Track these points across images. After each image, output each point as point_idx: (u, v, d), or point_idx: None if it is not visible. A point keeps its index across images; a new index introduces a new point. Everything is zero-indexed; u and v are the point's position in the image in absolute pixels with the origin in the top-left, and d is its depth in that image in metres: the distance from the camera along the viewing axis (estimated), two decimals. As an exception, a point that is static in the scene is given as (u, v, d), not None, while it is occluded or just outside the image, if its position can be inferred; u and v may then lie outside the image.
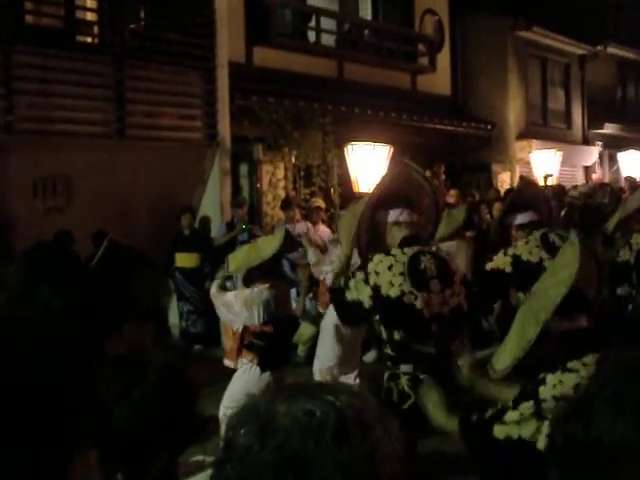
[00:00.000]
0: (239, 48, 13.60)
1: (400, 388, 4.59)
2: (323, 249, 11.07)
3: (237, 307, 6.07)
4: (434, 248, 5.00)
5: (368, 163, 12.96)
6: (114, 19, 10.91)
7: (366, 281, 4.62)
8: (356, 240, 5.05)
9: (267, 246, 6.35)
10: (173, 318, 11.33)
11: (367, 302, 4.62)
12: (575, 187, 16.98)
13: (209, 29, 11.86)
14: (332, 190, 13.94)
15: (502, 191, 15.91)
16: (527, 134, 19.29)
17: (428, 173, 13.88)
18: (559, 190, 15.35)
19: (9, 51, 9.74)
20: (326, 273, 7.86)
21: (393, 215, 4.83)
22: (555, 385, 3.10)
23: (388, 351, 4.69)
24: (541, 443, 2.98)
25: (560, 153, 18.04)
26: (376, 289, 4.59)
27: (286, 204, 12.05)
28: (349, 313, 4.94)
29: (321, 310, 9.58)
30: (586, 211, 13.22)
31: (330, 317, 7.39)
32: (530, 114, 19.85)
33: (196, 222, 11.68)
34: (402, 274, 4.60)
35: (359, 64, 15.93)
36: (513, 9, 18.28)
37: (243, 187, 13.72)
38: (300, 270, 10.83)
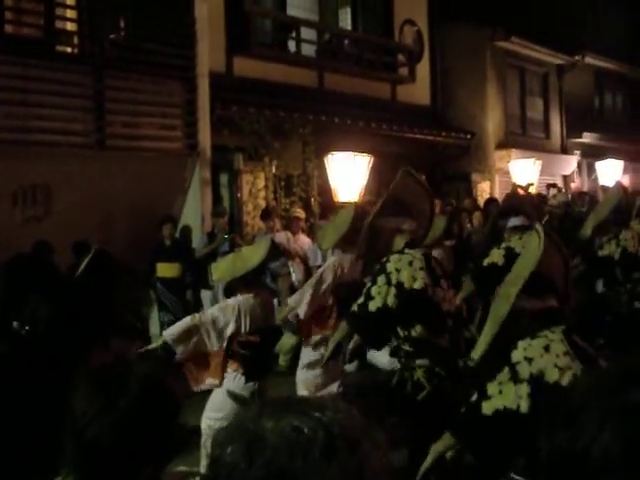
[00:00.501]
0: (219, 58, 13.60)
1: (415, 379, 4.68)
2: (303, 259, 11.11)
3: (222, 320, 6.02)
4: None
5: (348, 173, 13.01)
6: (94, 29, 10.87)
7: (388, 282, 4.71)
8: (361, 245, 5.09)
9: (252, 256, 6.31)
10: (154, 328, 11.27)
11: (392, 302, 4.67)
12: (555, 196, 17.08)
13: (189, 39, 11.85)
14: (312, 200, 13.95)
15: (482, 200, 16.02)
16: (506, 143, 19.38)
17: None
18: (539, 199, 15.44)
19: (-12, 61, 9.70)
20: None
21: (397, 223, 4.95)
22: (526, 348, 3.29)
23: (405, 347, 4.75)
24: (523, 407, 3.19)
25: (539, 162, 18.17)
26: (399, 285, 4.71)
27: (266, 214, 12.05)
28: (374, 330, 4.89)
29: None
30: (566, 220, 13.35)
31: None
32: (509, 124, 19.96)
33: (177, 232, 11.64)
34: (422, 269, 4.81)
35: (339, 74, 15.97)
36: (492, 20, 18.38)
37: (223, 197, 13.70)
38: (281, 280, 10.84)
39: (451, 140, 18.33)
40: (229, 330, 5.99)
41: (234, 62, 14.11)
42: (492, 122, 19.17)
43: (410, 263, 4.75)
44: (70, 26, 11.26)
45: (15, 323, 2.63)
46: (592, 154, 22.34)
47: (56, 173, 10.33)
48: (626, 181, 22.27)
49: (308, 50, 15.68)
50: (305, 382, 7.32)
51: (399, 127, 16.43)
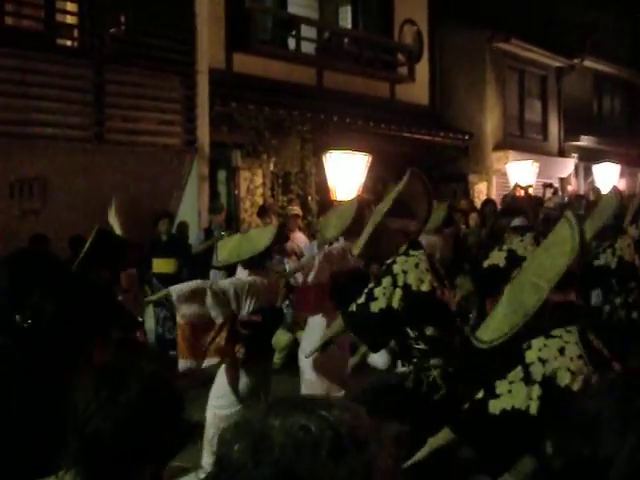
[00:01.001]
0: (219, 54, 13.58)
1: (431, 380, 4.66)
2: (299, 256, 11.10)
3: (232, 294, 5.93)
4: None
5: (346, 171, 13.01)
6: (94, 23, 10.85)
7: (395, 284, 4.66)
8: (367, 245, 5.03)
9: (260, 239, 6.27)
10: (149, 323, 11.27)
11: (397, 304, 4.63)
12: (550, 198, 17.10)
13: (190, 35, 11.83)
14: (310, 198, 13.95)
15: (478, 202, 16.02)
16: (504, 145, 19.38)
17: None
18: (535, 201, 15.46)
19: (-12, 53, 9.69)
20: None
21: (403, 224, 4.92)
22: (540, 348, 3.22)
23: (420, 346, 4.72)
24: (533, 409, 3.13)
25: (536, 164, 18.18)
26: (406, 287, 4.65)
27: (263, 211, 12.04)
28: (376, 331, 4.80)
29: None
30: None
31: (317, 318, 7.40)
32: (507, 125, 19.96)
33: (174, 228, 11.63)
34: (428, 270, 4.75)
35: (338, 72, 15.96)
36: (492, 21, 18.38)
37: (221, 193, 13.69)
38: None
39: (449, 140, 18.33)
40: (235, 305, 5.96)
41: (234, 59, 14.09)
42: (490, 123, 19.18)
43: (417, 265, 4.70)
44: (70, 19, 11.24)
45: (17, 316, 2.62)
46: (589, 157, 22.37)
47: (54, 166, 10.32)
48: (622, 185, 22.32)
49: (308, 48, 15.67)
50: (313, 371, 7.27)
51: (397, 126, 16.42)
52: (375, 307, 4.64)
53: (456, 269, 9.63)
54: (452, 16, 18.44)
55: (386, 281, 4.67)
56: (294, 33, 15.39)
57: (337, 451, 1.20)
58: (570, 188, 21.65)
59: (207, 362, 6.04)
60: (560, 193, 19.19)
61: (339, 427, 1.23)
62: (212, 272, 10.79)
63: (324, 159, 13.24)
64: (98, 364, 2.41)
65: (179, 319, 6.02)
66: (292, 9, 15.56)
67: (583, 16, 21.97)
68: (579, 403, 1.42)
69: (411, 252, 4.80)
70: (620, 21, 25.45)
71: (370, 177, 13.38)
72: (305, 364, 7.20)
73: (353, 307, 4.81)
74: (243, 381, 6.02)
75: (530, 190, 16.76)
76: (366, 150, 13.40)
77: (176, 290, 5.96)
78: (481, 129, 19.00)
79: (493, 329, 3.41)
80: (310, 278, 7.27)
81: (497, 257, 5.95)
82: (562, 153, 22.17)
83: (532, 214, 7.19)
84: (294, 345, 9.80)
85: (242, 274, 6.20)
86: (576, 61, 21.80)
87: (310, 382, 7.20)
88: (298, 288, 7.82)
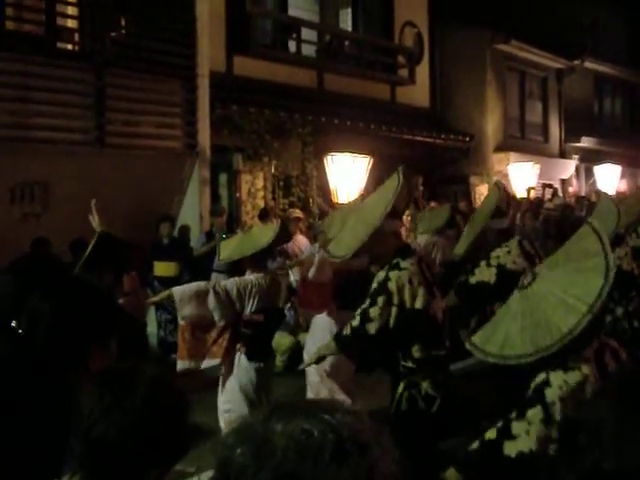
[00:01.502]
0: (220, 57, 13.59)
1: (423, 393, 4.58)
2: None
3: (235, 295, 5.96)
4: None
5: (347, 174, 13.02)
6: (95, 27, 10.86)
7: (389, 302, 4.54)
8: (365, 248, 4.91)
9: (262, 236, 6.28)
10: (151, 327, 11.26)
11: (393, 323, 4.50)
12: (551, 200, 17.08)
13: (190, 38, 11.83)
14: (311, 200, 13.95)
15: (479, 203, 15.99)
16: (505, 147, 19.39)
17: (420, 179, 14.06)
18: (536, 202, 15.43)
19: (-11, 57, 9.69)
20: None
21: (392, 225, 4.84)
22: (561, 386, 2.96)
23: (407, 364, 4.64)
24: (552, 450, 2.89)
25: (537, 166, 18.18)
26: (402, 305, 4.54)
27: (264, 214, 12.04)
28: (374, 352, 4.69)
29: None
30: (564, 223, 13.30)
31: (321, 318, 7.39)
32: (508, 127, 19.97)
33: (175, 231, 11.63)
34: (420, 284, 4.62)
35: (339, 75, 15.97)
36: (492, 23, 18.39)
37: (222, 196, 13.69)
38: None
39: (450, 142, 18.33)
40: (238, 305, 5.96)
41: (234, 62, 14.10)
42: (491, 125, 19.18)
43: (410, 280, 4.55)
44: (71, 23, 11.24)
45: (14, 322, 2.62)
46: (590, 158, 22.37)
47: (55, 170, 10.31)
48: (623, 186, 22.32)
49: (308, 51, 15.68)
50: (320, 375, 7.26)
51: (398, 129, 16.42)
52: (372, 328, 4.49)
53: (457, 270, 9.60)
54: (452, 18, 18.45)
55: (381, 300, 4.51)
56: (295, 36, 15.40)
57: (339, 455, 1.20)
58: (571, 189, 21.65)
59: (207, 363, 6.06)
60: (560, 194, 19.18)
61: (341, 431, 1.22)
62: (213, 275, 10.79)
63: (325, 162, 13.25)
64: (98, 369, 2.41)
65: (180, 320, 6.04)
66: (292, 12, 15.57)
67: (583, 17, 21.99)
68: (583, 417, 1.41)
69: (402, 264, 4.65)
70: (620, 22, 25.46)
71: (371, 179, 13.38)
72: (310, 366, 7.20)
73: (347, 330, 4.64)
74: (244, 380, 6.03)
75: (532, 192, 16.73)
76: (367, 152, 13.41)
77: (178, 291, 5.98)
78: (482, 131, 19.01)
79: (504, 341, 3.10)
80: (310, 274, 7.28)
81: (486, 273, 5.73)
82: (563, 154, 22.18)
83: (513, 213, 7.02)
84: (296, 348, 9.81)
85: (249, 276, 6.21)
86: (576, 62, 21.81)
87: (315, 384, 7.20)
88: (300, 286, 7.83)
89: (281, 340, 9.78)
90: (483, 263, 5.73)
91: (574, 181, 22.55)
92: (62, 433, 2.09)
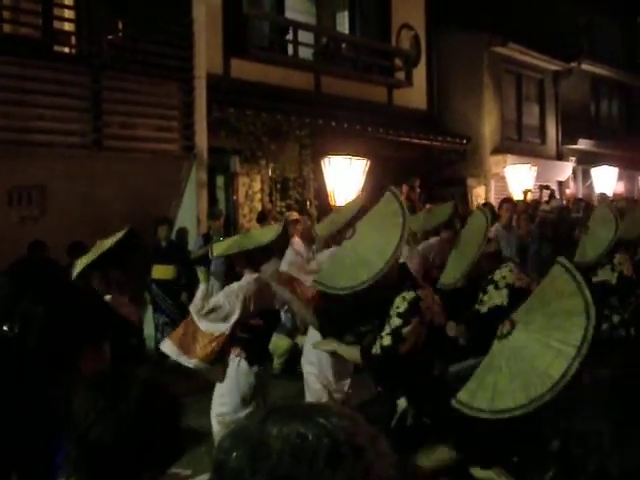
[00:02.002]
0: (217, 60, 13.59)
1: (428, 410, 4.54)
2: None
3: (227, 306, 5.99)
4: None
5: (345, 176, 13.03)
6: (92, 30, 10.85)
7: (422, 322, 4.45)
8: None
9: (263, 235, 6.32)
10: (148, 330, 11.26)
11: (423, 342, 4.43)
12: (547, 202, 17.11)
13: (187, 41, 11.84)
14: (308, 203, 13.96)
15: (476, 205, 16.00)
16: (502, 149, 19.41)
17: (405, 187, 14.01)
18: (532, 204, 15.45)
19: (-14, 60, 9.69)
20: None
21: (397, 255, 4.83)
22: None
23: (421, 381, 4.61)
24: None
25: (535, 168, 18.20)
26: (430, 324, 4.50)
27: (262, 217, 12.05)
28: (400, 374, 4.50)
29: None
30: (561, 225, 13.31)
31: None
32: (505, 129, 19.99)
33: (173, 234, 11.64)
34: (434, 301, 4.64)
35: (336, 77, 15.97)
36: (489, 25, 18.41)
37: (219, 199, 13.69)
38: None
39: (447, 145, 18.34)
40: (234, 317, 5.97)
41: (232, 64, 14.10)
42: (488, 127, 19.20)
43: (433, 298, 4.54)
44: (68, 26, 11.24)
45: (6, 325, 2.62)
46: (587, 160, 22.40)
47: (52, 173, 10.32)
48: (621, 188, 22.37)
49: (305, 53, 15.69)
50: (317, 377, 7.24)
51: (395, 131, 16.43)
52: (403, 348, 4.38)
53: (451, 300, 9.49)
54: (449, 20, 18.48)
55: (415, 320, 4.38)
56: (291, 38, 15.41)
57: (335, 458, 1.20)
58: (568, 191, 21.68)
59: (184, 360, 6.07)
60: (558, 196, 19.21)
61: (337, 434, 1.23)
62: (211, 278, 10.79)
63: (322, 164, 13.26)
64: (90, 371, 2.41)
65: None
66: (289, 14, 15.58)
67: (580, 20, 22.03)
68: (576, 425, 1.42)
69: (419, 282, 4.60)
70: (617, 24, 25.51)
71: (368, 182, 13.39)
72: (309, 373, 7.21)
73: (378, 349, 4.46)
74: (242, 384, 6.03)
75: (529, 194, 16.76)
76: (364, 155, 13.42)
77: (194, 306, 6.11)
78: (479, 133, 19.02)
79: (493, 395, 3.00)
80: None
81: (497, 297, 5.59)
82: (560, 157, 22.20)
83: (509, 215, 6.94)
84: (294, 350, 9.81)
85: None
86: (573, 64, 21.84)
87: (316, 391, 7.18)
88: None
89: (279, 343, 9.79)
90: (491, 288, 5.56)
91: (571, 183, 22.58)
92: (55, 435, 2.09)
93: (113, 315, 3.29)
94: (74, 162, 10.57)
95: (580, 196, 20.54)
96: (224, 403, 6.06)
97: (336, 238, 7.69)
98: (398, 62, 17.75)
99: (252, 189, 13.43)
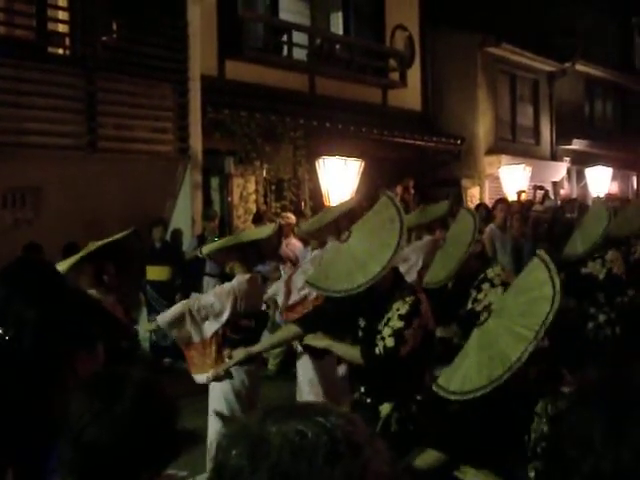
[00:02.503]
0: (211, 61, 13.59)
1: (413, 415, 4.53)
2: (294, 263, 11.11)
3: (217, 304, 6.01)
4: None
5: (339, 177, 13.04)
6: (86, 31, 10.83)
7: (421, 325, 4.50)
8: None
9: (261, 231, 6.37)
10: (143, 331, 11.25)
11: (421, 345, 4.46)
12: (541, 202, 17.15)
13: (182, 42, 11.84)
14: (303, 204, 13.96)
15: (471, 205, 16.03)
16: (496, 149, 19.44)
17: (399, 188, 14.03)
18: (526, 205, 15.48)
19: (-21, 62, 9.67)
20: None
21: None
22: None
23: (367, 399, 4.59)
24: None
25: (529, 168, 18.24)
26: (426, 327, 4.55)
27: (258, 218, 12.05)
28: (399, 376, 4.49)
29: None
30: (555, 225, 13.32)
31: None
32: (499, 130, 20.02)
33: (167, 235, 11.63)
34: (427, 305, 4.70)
35: (330, 79, 15.97)
36: (483, 26, 18.44)
37: (214, 200, 13.69)
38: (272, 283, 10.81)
39: (441, 145, 18.36)
40: (225, 315, 5.98)
41: (226, 66, 14.09)
42: (482, 128, 19.23)
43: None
44: (62, 28, 11.22)
45: (0, 329, 2.62)
46: (582, 161, 22.45)
47: (46, 175, 10.29)
48: (614, 188, 22.42)
49: (300, 54, 15.69)
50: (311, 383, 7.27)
51: (390, 132, 16.44)
52: (404, 350, 4.38)
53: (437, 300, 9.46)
54: (443, 21, 18.50)
55: (416, 322, 4.39)
56: (286, 40, 15.41)
57: (333, 456, 1.21)
58: (563, 192, 21.73)
59: (212, 374, 6.10)
60: (552, 196, 19.26)
61: (335, 432, 1.24)
62: (205, 279, 10.80)
63: (317, 165, 13.27)
64: (85, 373, 2.41)
65: (178, 340, 6.13)
66: (284, 16, 15.59)
67: (574, 20, 22.06)
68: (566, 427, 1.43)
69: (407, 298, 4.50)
70: (611, 25, 25.56)
71: (363, 183, 13.40)
72: (303, 376, 7.23)
73: (380, 350, 4.43)
74: (237, 384, 6.06)
75: (523, 195, 16.80)
76: (359, 156, 13.43)
77: (163, 319, 6.11)
78: (473, 134, 19.05)
79: (464, 378, 3.15)
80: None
81: (493, 295, 5.56)
82: (554, 157, 22.24)
83: (503, 215, 6.92)
84: (289, 351, 9.81)
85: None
86: (567, 65, 21.88)
87: (307, 393, 7.20)
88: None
89: (274, 344, 9.77)
90: (486, 286, 5.57)
91: (565, 183, 22.62)
92: (50, 438, 2.09)
93: (107, 316, 3.28)
94: (68, 164, 10.55)
95: (574, 196, 20.59)
96: (220, 404, 6.07)
97: (315, 235, 7.73)
98: (392, 63, 17.77)
99: (247, 190, 13.43)
